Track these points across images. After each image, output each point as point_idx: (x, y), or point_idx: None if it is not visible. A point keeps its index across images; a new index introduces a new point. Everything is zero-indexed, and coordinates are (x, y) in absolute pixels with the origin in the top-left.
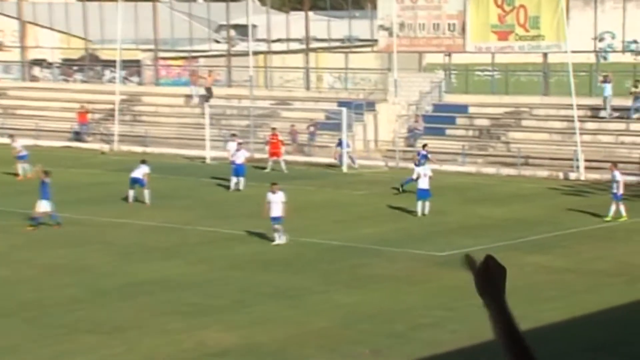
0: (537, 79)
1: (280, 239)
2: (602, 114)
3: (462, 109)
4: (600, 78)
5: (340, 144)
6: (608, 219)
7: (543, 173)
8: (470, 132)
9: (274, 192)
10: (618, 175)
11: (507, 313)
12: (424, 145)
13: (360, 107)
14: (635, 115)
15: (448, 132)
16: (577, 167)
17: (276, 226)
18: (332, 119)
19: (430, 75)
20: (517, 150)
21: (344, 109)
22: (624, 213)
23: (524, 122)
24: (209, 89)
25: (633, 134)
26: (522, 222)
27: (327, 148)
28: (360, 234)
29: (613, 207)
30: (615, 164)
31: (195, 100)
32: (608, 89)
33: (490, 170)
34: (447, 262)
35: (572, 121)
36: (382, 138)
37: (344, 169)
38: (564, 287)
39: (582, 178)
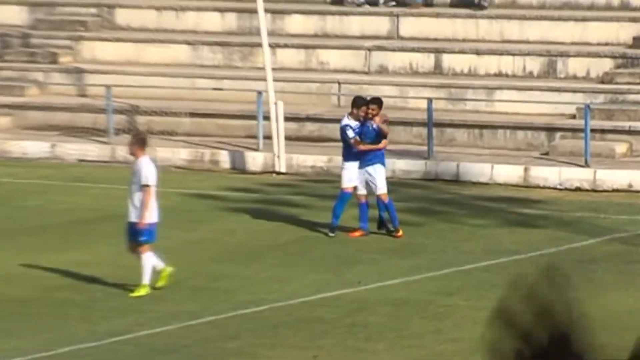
0: None
1: None
2: None
3: None
4: None
5: None
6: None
7: (182, 156)
8: None
9: None
10: (146, 170)
11: None
12: (371, 103)
13: None
14: None
15: None
16: (264, 137)
17: None
18: None
19: None
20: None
21: None
22: (158, 266)
23: (121, 18)
24: None
25: (412, 45)
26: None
27: None
28: None
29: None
30: (142, 142)
31: None
32: None
33: None
34: None
35: (251, 13)
36: None
37: None
38: None
39: (282, 168)
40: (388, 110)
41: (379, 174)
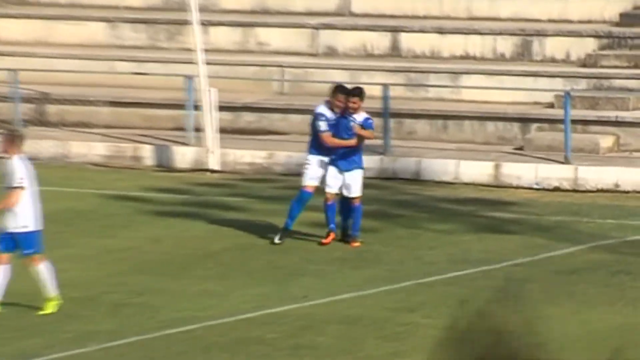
0: None
1: None
2: None
3: None
4: None
5: None
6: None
7: (99, 151)
8: None
9: None
10: (18, 171)
11: None
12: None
13: None
14: None
15: None
16: (195, 129)
17: None
18: None
19: None
20: None
21: None
22: None
23: None
24: None
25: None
26: None
27: None
28: None
29: None
30: (17, 139)
31: None
32: None
33: None
34: None
35: None
36: None
37: None
38: None
39: (216, 165)
40: None
41: (356, 178)
